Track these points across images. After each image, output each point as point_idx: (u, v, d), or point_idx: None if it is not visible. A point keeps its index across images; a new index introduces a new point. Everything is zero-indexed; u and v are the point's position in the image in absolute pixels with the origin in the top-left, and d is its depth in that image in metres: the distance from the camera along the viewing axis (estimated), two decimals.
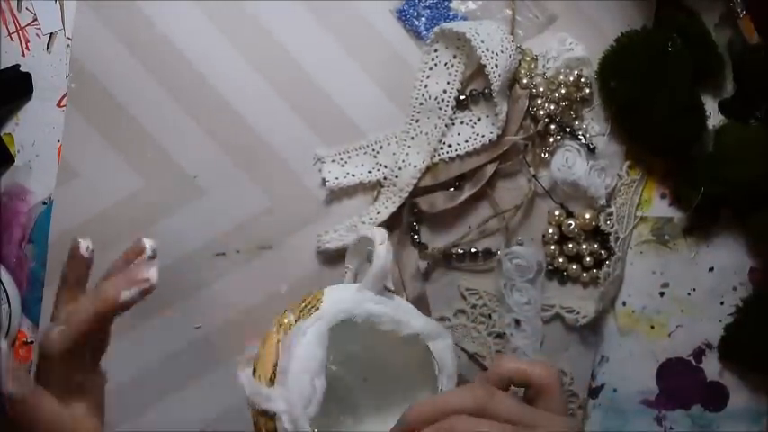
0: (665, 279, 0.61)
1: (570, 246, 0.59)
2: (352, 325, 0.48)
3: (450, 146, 0.58)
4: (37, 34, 0.59)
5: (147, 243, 0.43)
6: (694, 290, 0.61)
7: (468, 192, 0.58)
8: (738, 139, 0.57)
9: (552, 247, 0.59)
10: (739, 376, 0.61)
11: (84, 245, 0.43)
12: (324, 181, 0.58)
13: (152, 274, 0.40)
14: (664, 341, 0.61)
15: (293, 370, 0.45)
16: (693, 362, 0.61)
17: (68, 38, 0.58)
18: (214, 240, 0.59)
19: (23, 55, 0.59)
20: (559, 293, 0.60)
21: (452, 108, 0.58)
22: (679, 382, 0.61)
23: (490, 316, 0.60)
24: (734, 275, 0.61)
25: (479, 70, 0.57)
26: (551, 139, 0.58)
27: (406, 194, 0.58)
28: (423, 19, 0.59)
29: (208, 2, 0.58)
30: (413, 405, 0.42)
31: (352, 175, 0.58)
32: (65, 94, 0.58)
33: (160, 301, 0.58)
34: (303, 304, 0.48)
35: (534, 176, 0.59)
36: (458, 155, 0.58)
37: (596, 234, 0.59)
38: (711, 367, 0.61)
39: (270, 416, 0.44)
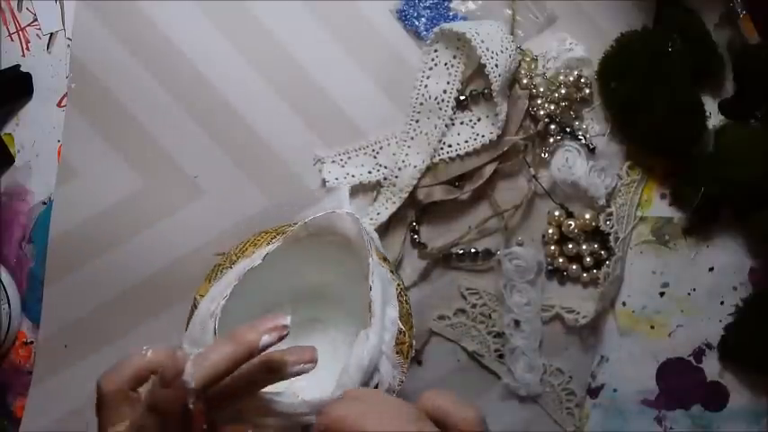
0: (665, 279, 0.61)
1: (570, 246, 0.59)
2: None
3: (450, 146, 0.58)
4: (37, 34, 0.59)
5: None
6: (694, 290, 0.61)
7: (468, 191, 0.58)
8: (738, 139, 0.57)
9: (552, 248, 0.59)
10: (739, 376, 0.61)
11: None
12: (324, 181, 0.58)
13: (288, 321, 0.40)
14: (664, 341, 0.61)
15: None
16: (693, 362, 0.61)
17: (68, 38, 0.58)
18: (214, 240, 0.59)
19: (24, 55, 0.59)
20: (559, 294, 0.60)
21: (452, 108, 0.58)
22: (679, 382, 0.61)
23: (490, 316, 0.60)
24: (734, 275, 0.61)
25: (479, 70, 0.57)
26: (551, 139, 0.58)
27: (406, 195, 0.58)
28: (423, 19, 0.59)
29: (208, 2, 0.58)
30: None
31: (352, 176, 0.58)
32: (65, 94, 0.58)
33: (160, 301, 0.59)
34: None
35: (534, 176, 0.59)
36: (458, 155, 0.58)
37: (596, 234, 0.59)
38: (711, 367, 0.61)
39: None
